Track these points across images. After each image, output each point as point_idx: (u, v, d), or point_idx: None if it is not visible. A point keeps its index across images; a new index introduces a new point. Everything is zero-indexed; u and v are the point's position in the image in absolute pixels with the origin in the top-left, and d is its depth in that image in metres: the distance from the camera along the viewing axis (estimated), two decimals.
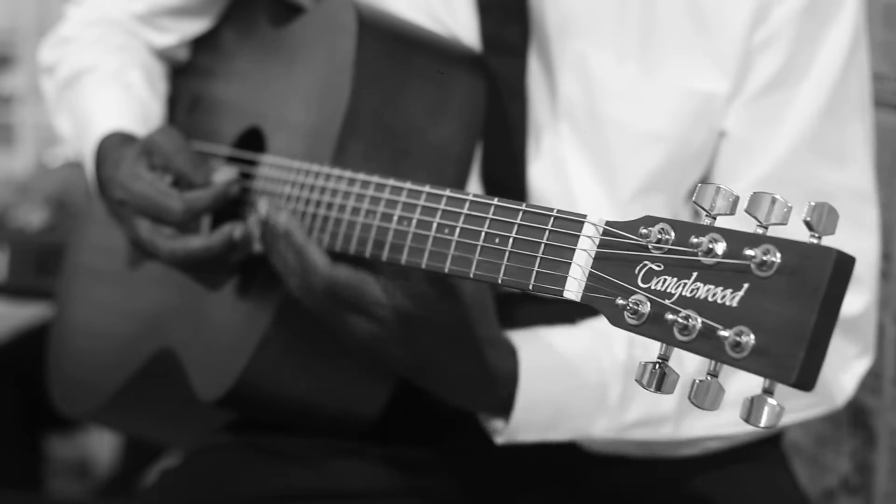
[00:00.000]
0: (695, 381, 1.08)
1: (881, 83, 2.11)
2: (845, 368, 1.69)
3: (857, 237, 1.67)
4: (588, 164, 1.70)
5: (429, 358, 1.51)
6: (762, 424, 1.04)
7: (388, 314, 1.46)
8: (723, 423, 1.66)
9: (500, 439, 1.61)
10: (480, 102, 1.69)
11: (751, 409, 1.05)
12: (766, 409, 1.04)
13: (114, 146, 1.81)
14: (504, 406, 1.59)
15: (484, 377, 1.55)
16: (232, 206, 1.74)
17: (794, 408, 1.65)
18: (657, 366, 1.13)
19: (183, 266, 1.68)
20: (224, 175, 1.70)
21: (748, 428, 1.64)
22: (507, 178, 1.71)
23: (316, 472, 1.75)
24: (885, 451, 2.19)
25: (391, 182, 1.47)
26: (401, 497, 1.77)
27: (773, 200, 1.06)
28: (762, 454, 1.80)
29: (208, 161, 1.78)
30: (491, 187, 1.71)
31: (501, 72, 1.70)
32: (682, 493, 1.75)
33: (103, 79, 1.94)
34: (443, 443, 1.81)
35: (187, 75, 2.04)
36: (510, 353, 1.58)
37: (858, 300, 1.67)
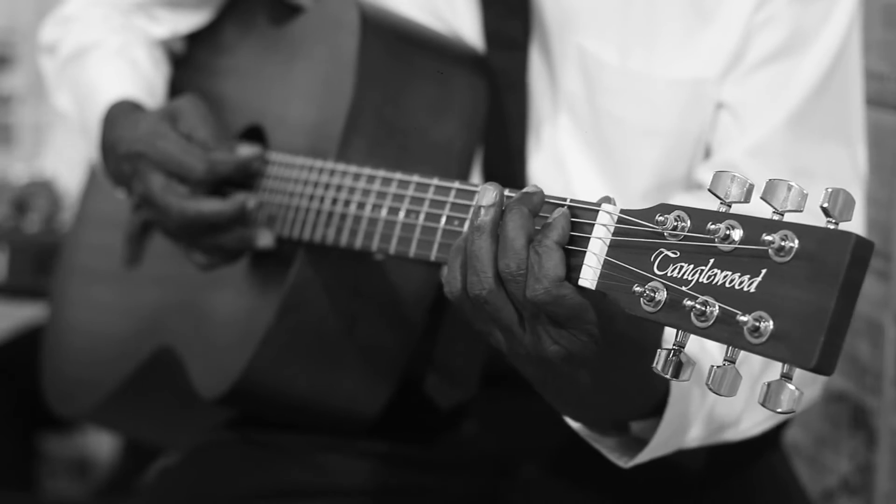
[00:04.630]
0: (713, 367, 1.08)
1: (881, 83, 2.11)
2: None
3: None
4: (588, 157, 1.70)
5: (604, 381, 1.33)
6: (781, 409, 1.04)
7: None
8: (767, 417, 1.61)
9: (634, 461, 1.42)
10: (482, 101, 1.69)
11: (768, 394, 1.05)
12: (785, 394, 1.04)
13: (125, 111, 1.81)
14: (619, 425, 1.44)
15: (638, 397, 1.38)
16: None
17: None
18: (672, 353, 1.13)
19: (189, 229, 1.66)
20: (250, 150, 1.70)
21: (786, 416, 1.63)
22: (508, 173, 1.71)
23: (315, 469, 1.75)
24: (886, 451, 2.19)
25: (398, 176, 1.47)
26: (399, 494, 1.77)
27: (789, 187, 1.06)
28: (764, 451, 1.81)
29: (231, 136, 1.77)
30: (492, 181, 1.71)
31: (503, 66, 1.71)
32: (683, 488, 1.75)
33: (108, 53, 1.94)
34: (441, 441, 1.82)
35: (188, 73, 2.04)
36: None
37: None
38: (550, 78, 1.71)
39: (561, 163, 1.71)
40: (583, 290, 1.20)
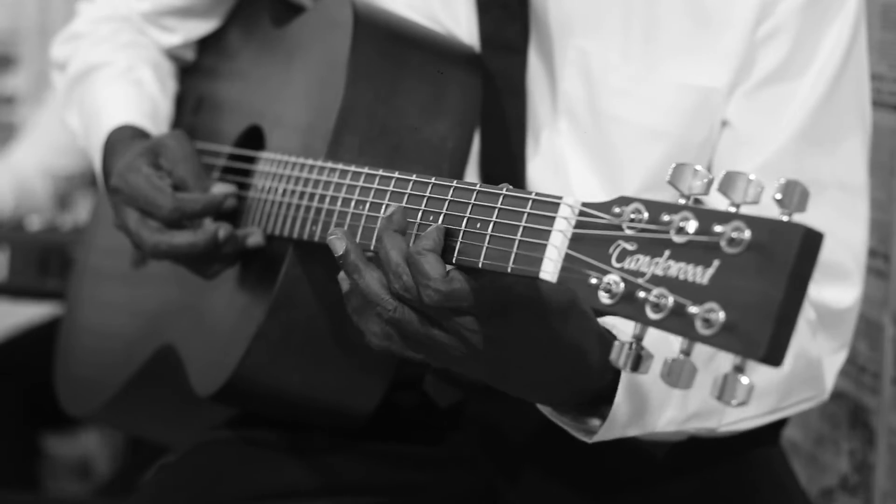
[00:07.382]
0: (667, 359, 1.08)
1: (879, 83, 2.11)
2: (830, 361, 1.69)
3: (847, 228, 1.67)
4: (587, 160, 1.70)
5: (525, 365, 1.37)
6: (734, 402, 1.04)
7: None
8: (758, 414, 1.62)
9: (595, 438, 1.46)
10: (476, 99, 1.69)
11: (723, 387, 1.05)
12: (737, 387, 1.04)
13: (122, 139, 1.83)
14: (593, 403, 1.46)
15: (580, 375, 1.40)
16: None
17: (794, 402, 1.65)
18: (631, 346, 1.13)
19: (166, 260, 1.70)
20: (222, 188, 1.71)
21: (780, 416, 1.64)
22: (507, 176, 1.71)
23: (312, 467, 1.75)
24: (884, 450, 2.19)
25: (380, 172, 1.47)
26: (400, 493, 1.77)
27: (747, 180, 1.06)
28: (762, 450, 1.80)
29: (211, 176, 1.79)
30: (490, 183, 1.71)
31: (501, 69, 1.71)
32: (682, 486, 1.74)
33: (114, 75, 1.95)
34: (441, 440, 1.82)
35: (192, 75, 2.06)
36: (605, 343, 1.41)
37: (848, 294, 1.67)
38: (549, 81, 1.71)
39: (559, 165, 1.71)
40: (495, 275, 1.28)
